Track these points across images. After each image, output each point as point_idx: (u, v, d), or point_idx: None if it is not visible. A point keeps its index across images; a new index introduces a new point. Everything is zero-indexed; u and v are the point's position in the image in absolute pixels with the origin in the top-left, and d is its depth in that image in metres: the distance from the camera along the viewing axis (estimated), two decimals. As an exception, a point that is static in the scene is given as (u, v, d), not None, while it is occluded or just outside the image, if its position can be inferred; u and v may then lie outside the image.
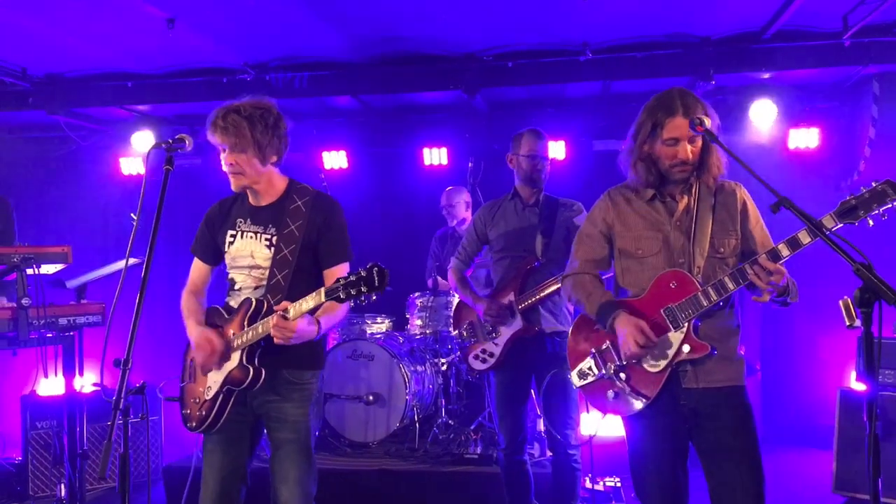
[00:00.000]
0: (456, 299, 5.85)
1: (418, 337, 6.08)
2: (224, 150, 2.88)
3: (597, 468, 4.94)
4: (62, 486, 4.48)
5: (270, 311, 2.79)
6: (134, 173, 7.32)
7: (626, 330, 2.70)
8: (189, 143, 2.74)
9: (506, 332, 4.05)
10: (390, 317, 6.44)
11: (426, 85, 6.21)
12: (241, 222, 3.02)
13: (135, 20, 4.97)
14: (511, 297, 4.03)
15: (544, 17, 5.21)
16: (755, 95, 6.28)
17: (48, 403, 5.29)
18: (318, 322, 2.82)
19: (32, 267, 3.77)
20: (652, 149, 2.75)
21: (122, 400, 2.18)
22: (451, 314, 5.77)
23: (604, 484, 4.94)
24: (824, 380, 6.38)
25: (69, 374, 3.96)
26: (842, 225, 2.42)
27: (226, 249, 3.02)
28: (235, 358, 2.86)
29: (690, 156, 2.71)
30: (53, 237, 4.24)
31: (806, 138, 6.47)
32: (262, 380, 2.82)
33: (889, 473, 4.26)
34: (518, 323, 4.02)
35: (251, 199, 3.03)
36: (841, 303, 1.97)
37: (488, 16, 5.15)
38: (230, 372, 2.86)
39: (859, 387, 4.90)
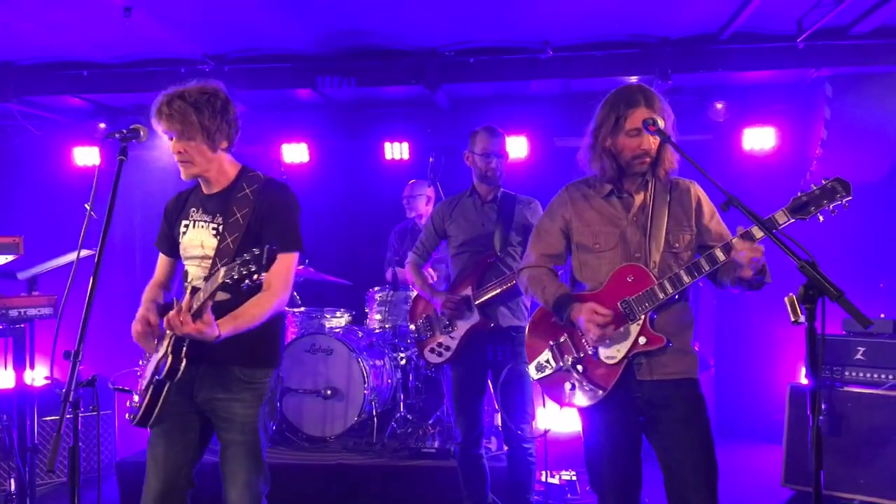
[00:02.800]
0: (415, 294, 5.87)
1: (377, 331, 6.08)
2: (171, 139, 2.77)
3: (552, 462, 4.99)
4: (12, 480, 4.40)
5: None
6: (89, 164, 7.20)
7: (584, 316, 2.74)
8: (144, 133, 2.69)
9: (462, 326, 4.08)
10: (349, 311, 6.42)
11: (387, 80, 6.20)
12: (193, 212, 2.94)
13: (91, 8, 4.89)
14: (468, 291, 4.06)
15: (506, 15, 5.24)
16: (712, 95, 6.40)
17: (-2, 397, 5.19)
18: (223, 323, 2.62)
19: (-18, 258, 3.70)
20: (614, 142, 2.79)
21: (72, 392, 2.14)
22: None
23: (559, 477, 5.01)
24: (776, 375, 6.51)
25: (19, 367, 3.88)
26: (793, 220, 2.51)
27: (179, 241, 2.95)
28: (163, 348, 2.75)
29: (652, 146, 2.76)
30: (4, 227, 4.14)
31: (761, 138, 6.59)
32: (179, 371, 2.65)
33: (832, 466, 4.37)
34: (475, 317, 4.04)
35: (203, 188, 2.95)
36: (786, 299, 2.02)
37: (450, 12, 5.16)
38: (158, 361, 2.76)
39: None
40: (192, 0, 4.87)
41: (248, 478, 2.81)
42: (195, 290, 2.60)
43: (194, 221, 2.92)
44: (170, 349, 2.67)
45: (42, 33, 5.40)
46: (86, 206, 2.75)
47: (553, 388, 2.94)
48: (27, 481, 3.91)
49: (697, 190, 2.92)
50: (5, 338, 3.85)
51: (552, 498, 4.75)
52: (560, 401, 2.93)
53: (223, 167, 2.90)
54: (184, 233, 2.93)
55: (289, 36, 5.62)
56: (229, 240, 2.78)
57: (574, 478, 4.99)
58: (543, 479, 4.88)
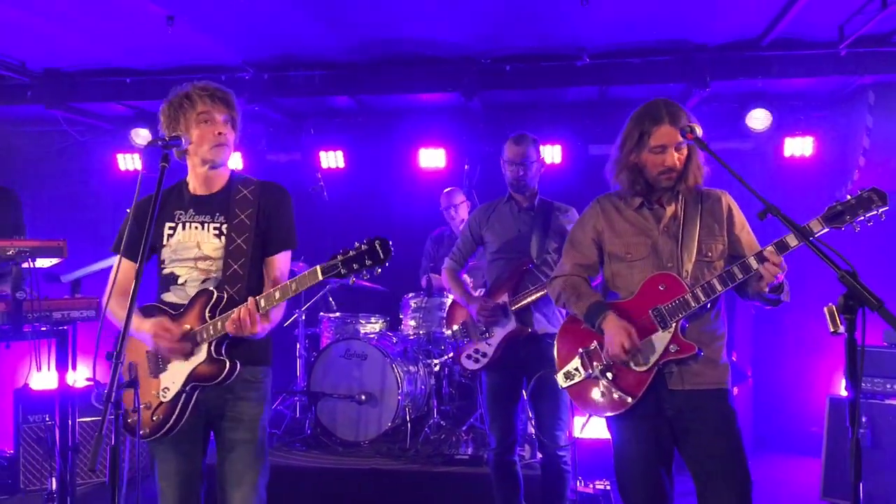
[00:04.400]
0: (450, 300, 5.88)
1: (412, 337, 6.10)
2: (207, 122, 2.79)
3: (587, 471, 4.97)
4: (53, 479, 4.48)
5: (232, 302, 2.71)
6: (130, 169, 7.34)
7: (613, 332, 2.75)
8: (185, 140, 2.72)
9: (499, 333, 4.08)
10: (384, 317, 6.46)
11: (424, 87, 6.24)
12: (180, 213, 2.88)
13: (135, 16, 4.99)
14: (505, 297, 4.06)
15: (542, 22, 5.24)
16: (751, 103, 6.32)
17: (41, 397, 5.29)
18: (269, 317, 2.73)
19: (28, 260, 3.77)
20: (639, 158, 2.81)
21: (114, 393, 2.18)
22: (445, 314, 5.81)
23: (593, 486, 4.97)
24: (815, 387, 6.41)
25: (62, 368, 3.96)
26: (828, 229, 2.50)
27: (164, 243, 2.87)
28: (202, 352, 2.73)
29: (677, 163, 2.76)
30: (49, 231, 4.23)
31: (801, 146, 6.50)
32: (236, 372, 2.71)
33: (872, 480, 4.30)
34: (511, 323, 4.04)
35: (194, 189, 2.92)
36: (825, 310, 2.00)
37: (487, 19, 5.18)
38: (196, 367, 2.73)
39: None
40: (233, 9, 4.94)
41: (256, 479, 2.80)
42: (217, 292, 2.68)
43: (184, 223, 2.87)
44: (213, 352, 2.71)
45: (87, 41, 5.52)
46: (128, 211, 2.80)
47: (582, 396, 2.94)
48: (68, 481, 3.97)
49: (729, 200, 2.91)
50: (49, 339, 3.92)
51: (586, 507, 4.73)
52: (589, 409, 2.93)
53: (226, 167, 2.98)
54: (170, 235, 2.87)
55: (326, 44, 5.67)
56: (239, 240, 2.80)
57: (608, 487, 4.95)
58: (577, 487, 4.86)
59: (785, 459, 6.25)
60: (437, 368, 5.89)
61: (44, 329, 3.85)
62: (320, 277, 2.53)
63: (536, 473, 4.38)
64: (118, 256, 2.85)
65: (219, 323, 2.69)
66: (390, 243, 2.45)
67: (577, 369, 2.94)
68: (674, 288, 2.74)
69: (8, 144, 7.40)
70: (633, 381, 2.79)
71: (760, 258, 2.58)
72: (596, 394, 2.88)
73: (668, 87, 6.19)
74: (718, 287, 2.67)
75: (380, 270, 2.49)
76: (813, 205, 2.99)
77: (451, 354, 5.88)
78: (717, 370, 2.79)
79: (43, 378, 4.96)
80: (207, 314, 2.73)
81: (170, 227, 2.89)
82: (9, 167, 4.41)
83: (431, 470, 5.06)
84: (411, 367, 5.89)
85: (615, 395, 2.82)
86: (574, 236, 3.08)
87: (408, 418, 5.64)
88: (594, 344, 2.91)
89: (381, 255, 2.44)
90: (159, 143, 2.64)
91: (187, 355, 2.75)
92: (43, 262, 3.91)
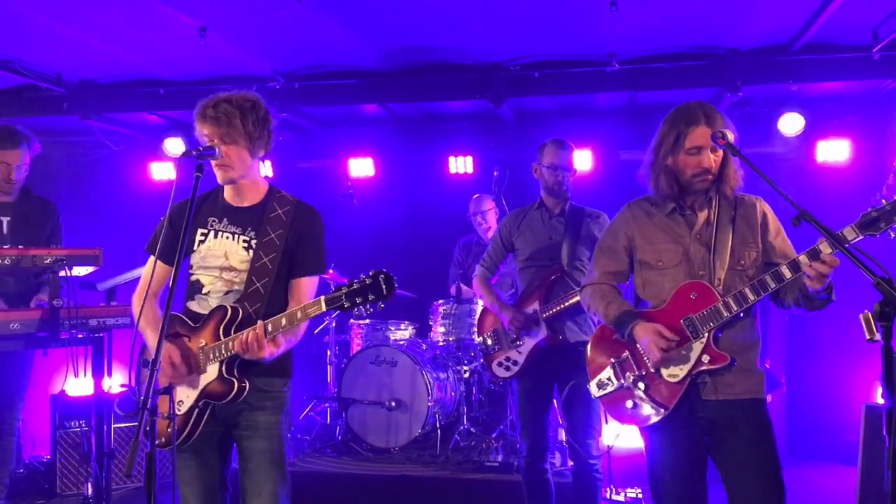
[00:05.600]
0: (479, 307, 5.88)
1: (441, 344, 6.11)
2: (211, 143, 2.75)
3: (619, 479, 4.93)
4: (89, 484, 4.55)
5: (248, 320, 2.70)
6: (164, 179, 7.45)
7: (648, 336, 2.72)
8: (219, 151, 2.72)
9: (530, 341, 4.07)
10: (413, 323, 6.47)
11: (453, 94, 6.25)
12: (213, 221, 2.88)
13: (168, 28, 5.07)
14: (536, 305, 4.05)
15: (571, 28, 5.23)
16: (783, 107, 6.24)
17: (77, 403, 5.38)
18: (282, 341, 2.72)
19: (65, 269, 3.84)
20: (675, 160, 2.78)
21: (150, 399, 2.21)
22: (475, 322, 5.81)
23: (625, 495, 4.93)
24: (850, 394, 6.31)
25: (98, 374, 4.02)
26: (863, 237, 2.44)
27: (195, 248, 2.87)
28: (213, 370, 2.73)
29: (714, 165, 2.73)
30: (85, 240, 4.30)
31: (835, 151, 6.42)
32: (245, 393, 2.71)
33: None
34: (543, 332, 4.03)
35: (229, 198, 2.91)
36: (861, 317, 1.97)
37: (515, 26, 5.18)
38: (207, 385, 2.73)
39: (886, 402, 4.83)
40: (264, 20, 5.00)
41: (275, 488, 2.78)
42: (233, 309, 2.70)
43: (216, 231, 2.87)
44: (224, 372, 2.71)
45: (121, 52, 5.61)
46: (163, 220, 2.85)
47: (615, 405, 2.92)
48: (103, 485, 4.03)
49: (763, 206, 2.87)
50: (85, 346, 3.98)
51: (617, 515, 4.70)
52: (622, 419, 2.91)
53: (257, 179, 2.92)
54: (201, 241, 2.87)
55: (356, 52, 5.71)
56: (266, 259, 2.79)
57: (640, 496, 4.91)
58: (608, 496, 4.83)
59: (820, 468, 6.15)
60: (466, 375, 5.89)
61: (80, 336, 3.90)
62: (324, 308, 2.54)
63: (568, 481, 4.37)
64: (151, 257, 2.91)
65: (230, 343, 2.68)
66: (394, 280, 2.45)
67: (609, 379, 2.92)
68: (705, 297, 2.71)
69: (44, 155, 7.50)
70: (665, 392, 2.76)
71: (794, 267, 2.54)
72: (629, 404, 2.86)
73: (699, 92, 6.14)
74: (751, 297, 2.63)
75: (382, 306, 2.48)
76: (847, 210, 2.94)
77: (481, 361, 5.89)
78: (751, 379, 2.75)
79: (78, 384, 5.04)
80: (222, 331, 2.72)
81: (202, 234, 2.88)
82: (45, 177, 4.51)
83: (462, 477, 5.06)
84: (441, 374, 5.89)
85: (648, 406, 2.80)
86: (604, 243, 3.06)
87: (438, 425, 5.65)
88: (625, 353, 2.89)
89: (385, 290, 2.44)
90: (193, 153, 2.66)
91: (200, 372, 2.77)
92: (79, 271, 3.98)
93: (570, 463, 4.16)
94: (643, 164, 2.91)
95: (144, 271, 2.99)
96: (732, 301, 2.65)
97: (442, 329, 6.13)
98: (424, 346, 6.16)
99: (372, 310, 2.48)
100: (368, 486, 5.08)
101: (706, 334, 2.69)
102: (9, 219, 4.38)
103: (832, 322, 6.19)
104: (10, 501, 4.75)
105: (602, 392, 2.95)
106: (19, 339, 3.79)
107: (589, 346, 3.08)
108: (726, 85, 5.69)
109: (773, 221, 2.85)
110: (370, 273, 2.44)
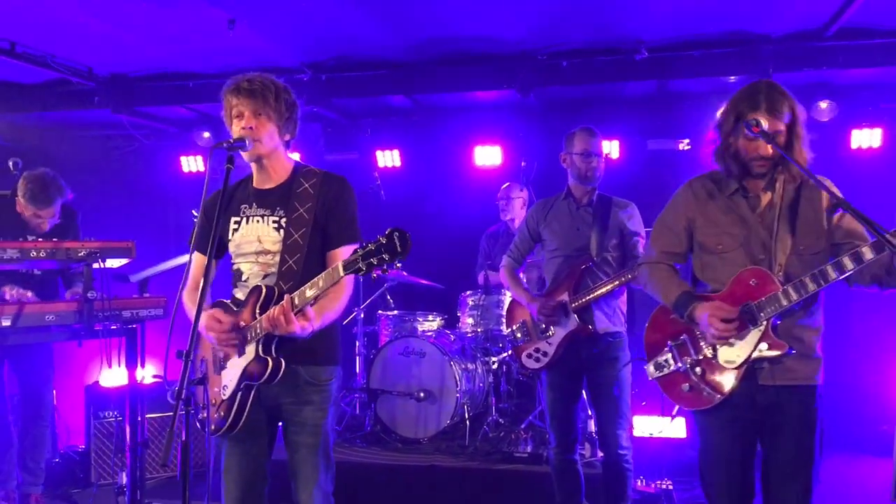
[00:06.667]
0: (508, 298, 5.87)
1: (469, 335, 6.11)
2: (239, 117, 2.76)
3: (648, 470, 4.91)
4: (123, 473, 4.62)
5: (282, 298, 2.64)
6: (194, 171, 7.51)
7: (707, 312, 2.70)
8: (249, 142, 2.72)
9: (559, 332, 4.05)
10: (442, 315, 6.48)
11: (480, 84, 6.23)
12: (245, 208, 2.88)
13: (197, 21, 5.10)
14: (565, 296, 4.02)
15: (599, 16, 5.19)
16: (816, 95, 6.14)
17: (111, 394, 5.46)
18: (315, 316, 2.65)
19: (98, 261, 3.88)
20: (735, 142, 2.72)
21: (185, 390, 2.23)
22: (503, 313, 5.81)
23: (655, 486, 4.91)
24: (884, 385, 6.22)
25: (131, 365, 4.07)
26: None
27: (230, 238, 2.88)
28: (251, 350, 2.71)
29: (770, 151, 2.66)
30: (117, 232, 4.35)
31: (868, 138, 6.32)
32: (281, 371, 2.67)
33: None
34: (572, 322, 4.01)
35: (256, 182, 2.90)
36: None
37: (543, 14, 5.14)
38: (247, 366, 2.72)
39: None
40: (292, 11, 5.01)
41: (320, 478, 2.81)
42: (268, 288, 2.67)
43: (247, 217, 2.86)
44: (260, 351, 2.69)
45: (151, 46, 5.66)
46: (193, 212, 2.86)
47: (671, 387, 2.92)
48: (138, 475, 4.09)
49: (830, 187, 2.77)
50: (119, 337, 4.03)
51: (647, 506, 4.68)
52: (678, 401, 2.91)
53: (282, 159, 2.90)
54: (235, 230, 2.88)
55: (383, 43, 5.71)
56: (296, 235, 2.76)
57: (670, 487, 4.88)
58: (638, 486, 4.81)
59: (854, 460, 6.07)
60: (495, 366, 5.89)
61: (114, 328, 3.96)
62: (342, 273, 2.45)
63: (597, 472, 4.36)
64: (196, 253, 2.94)
65: (264, 321, 2.65)
66: (409, 236, 2.36)
67: (667, 361, 2.91)
68: (765, 284, 2.67)
69: (76, 148, 7.65)
70: (722, 377, 2.75)
71: (856, 258, 2.47)
72: (685, 387, 2.84)
73: (729, 80, 6.06)
74: (811, 286, 2.58)
75: (399, 264, 2.45)
76: (881, 198, 2.90)
77: (509, 352, 5.88)
78: (809, 366, 2.74)
79: (112, 375, 5.12)
80: (258, 311, 2.70)
81: (235, 222, 2.89)
82: (77, 171, 4.58)
83: (491, 468, 5.06)
84: (469, 365, 5.90)
85: (703, 391, 2.79)
86: (665, 220, 3.00)
87: (466, 416, 5.65)
88: (683, 336, 2.87)
89: (399, 248, 2.34)
90: (224, 145, 2.66)
91: (240, 353, 2.76)
92: (112, 263, 4.03)
93: (601, 454, 4.14)
94: (707, 140, 2.85)
95: (192, 268, 2.98)
96: (792, 290, 2.61)
97: (470, 320, 6.13)
98: (453, 338, 6.16)
99: (389, 270, 2.40)
100: (399, 477, 5.10)
101: (765, 322, 2.67)
102: (35, 237, 4.46)
103: (866, 312, 6.11)
104: (45, 489, 4.84)
105: (659, 373, 2.94)
106: (54, 330, 3.86)
107: (647, 327, 3.05)
108: (757, 72, 5.58)
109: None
110: (385, 232, 2.38)
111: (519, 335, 4.29)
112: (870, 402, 6.41)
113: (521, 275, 5.06)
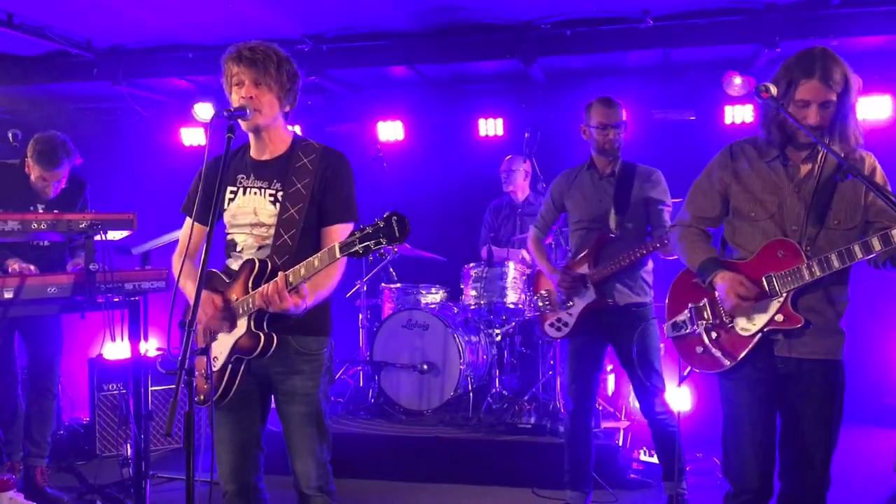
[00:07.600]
0: (511, 271, 5.87)
1: (473, 308, 6.10)
2: (239, 85, 2.72)
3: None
4: (128, 445, 4.64)
5: (275, 273, 2.63)
6: (194, 143, 7.48)
7: (727, 284, 2.71)
8: (250, 111, 2.68)
9: (579, 303, 4.09)
10: (444, 287, 6.46)
11: (483, 55, 6.14)
12: (242, 178, 2.85)
13: (196, -9, 5.03)
14: (585, 268, 4.04)
15: (604, -16, 5.11)
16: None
17: (114, 366, 5.47)
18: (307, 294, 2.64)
19: (100, 233, 3.86)
20: (785, 107, 2.65)
21: (187, 360, 2.21)
22: (506, 285, 5.81)
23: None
24: (890, 357, 6.20)
25: (134, 338, 4.06)
26: None
27: (225, 207, 2.85)
28: (243, 325, 2.70)
29: (819, 120, 2.61)
30: (118, 205, 4.33)
31: (877, 108, 6.25)
32: (273, 346, 2.66)
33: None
34: (591, 295, 4.04)
35: (254, 153, 2.87)
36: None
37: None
38: (238, 340, 2.70)
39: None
40: (292, -20, 4.94)
41: (313, 447, 2.80)
42: (261, 262, 2.65)
43: (244, 188, 2.84)
44: (252, 326, 2.67)
45: (150, 17, 5.59)
46: (195, 180, 2.83)
47: (685, 348, 2.94)
48: (142, 447, 4.10)
49: (872, 161, 2.75)
50: (121, 310, 4.02)
51: (650, 476, 4.69)
52: (690, 362, 2.93)
53: (281, 131, 2.86)
54: (231, 199, 2.85)
55: (385, 14, 5.63)
56: (293, 210, 2.74)
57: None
58: (642, 457, 4.83)
59: (858, 431, 6.05)
60: (498, 338, 5.89)
61: (116, 300, 3.94)
62: (338, 255, 2.44)
63: (601, 443, 4.37)
64: (188, 219, 2.91)
65: (256, 296, 2.64)
66: (407, 221, 2.31)
67: (684, 322, 2.94)
68: (792, 257, 2.66)
69: (76, 121, 7.60)
70: (735, 343, 2.77)
71: (885, 240, 2.45)
72: (699, 349, 2.88)
73: (736, 49, 5.99)
74: (836, 264, 2.55)
75: (396, 249, 2.42)
76: (890, 167, 2.86)
77: (512, 324, 5.88)
78: (828, 340, 2.74)
79: (116, 348, 5.11)
80: (250, 285, 2.68)
81: (231, 192, 2.85)
82: (77, 143, 4.55)
83: (495, 439, 5.08)
84: (472, 337, 5.89)
85: (715, 354, 2.82)
86: (700, 185, 2.98)
87: (470, 388, 5.66)
88: (704, 300, 2.88)
89: (397, 232, 2.30)
90: (224, 114, 2.62)
91: (231, 327, 2.74)
92: (114, 235, 4.00)
93: (603, 425, 4.17)
94: (757, 105, 2.82)
95: (182, 232, 2.99)
96: (816, 265, 2.59)
97: (473, 292, 6.12)
98: (456, 310, 6.16)
99: (387, 255, 2.39)
100: (403, 448, 5.13)
101: (785, 294, 2.66)
102: (43, 206, 4.44)
103: (871, 286, 6.06)
104: (51, 462, 4.86)
105: (676, 333, 2.97)
106: (56, 302, 3.84)
107: (671, 288, 3.07)
108: (764, 41, 5.52)
109: (880, 178, 2.73)
110: (383, 216, 2.34)
111: (541, 304, 4.33)
112: (875, 376, 6.40)
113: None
